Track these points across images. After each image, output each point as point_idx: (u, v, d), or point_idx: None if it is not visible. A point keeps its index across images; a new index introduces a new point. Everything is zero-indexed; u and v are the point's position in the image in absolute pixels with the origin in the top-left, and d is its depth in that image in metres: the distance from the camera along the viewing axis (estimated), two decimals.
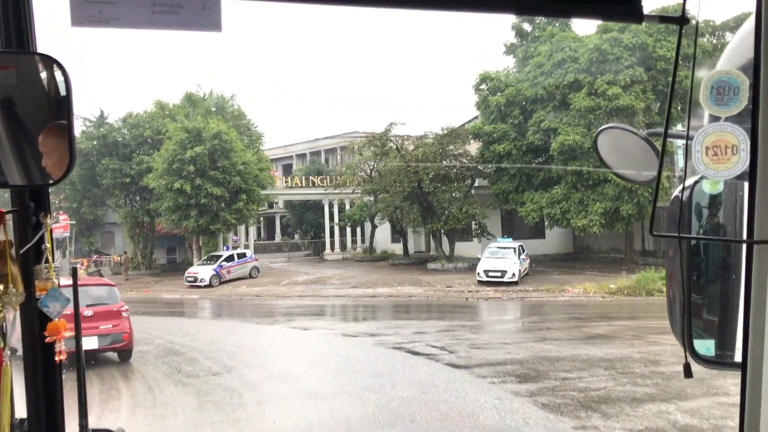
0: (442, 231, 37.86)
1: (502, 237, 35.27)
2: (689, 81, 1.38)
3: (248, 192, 38.79)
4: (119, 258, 42.98)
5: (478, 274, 30.51)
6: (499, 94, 34.64)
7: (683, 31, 1.25)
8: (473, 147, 37.18)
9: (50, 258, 1.69)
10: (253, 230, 52.00)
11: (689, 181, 1.65)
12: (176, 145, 37.26)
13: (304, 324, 21.10)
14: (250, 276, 37.55)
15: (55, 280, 1.68)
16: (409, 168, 35.83)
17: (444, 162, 36.90)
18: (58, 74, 1.48)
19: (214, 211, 37.86)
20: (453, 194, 36.65)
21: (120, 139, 40.92)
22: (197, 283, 34.94)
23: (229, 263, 36.62)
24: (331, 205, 50.28)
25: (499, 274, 29.68)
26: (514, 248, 31.68)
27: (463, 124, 39.42)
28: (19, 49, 1.60)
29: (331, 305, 27.30)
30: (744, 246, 1.54)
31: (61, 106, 1.52)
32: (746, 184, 1.40)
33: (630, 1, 1.25)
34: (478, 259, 34.85)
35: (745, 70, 1.36)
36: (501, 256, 31.02)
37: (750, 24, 1.38)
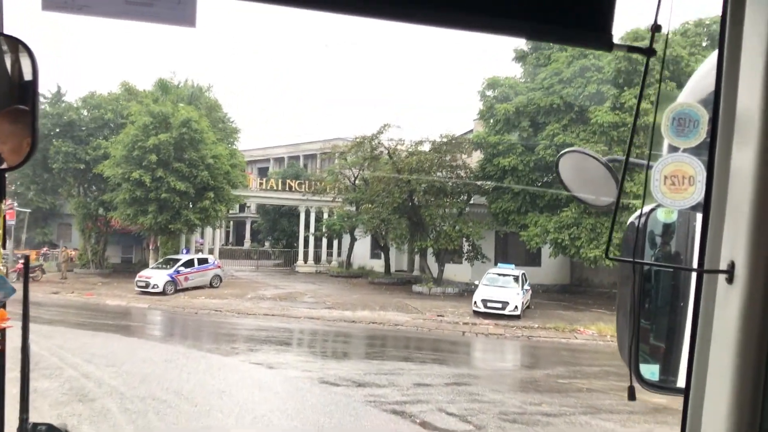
0: (431, 250, 33.14)
1: (500, 262, 30.61)
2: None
3: (216, 190, 33.67)
4: (62, 251, 37.40)
5: (475, 303, 25.76)
6: (508, 102, 30.13)
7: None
8: (474, 158, 32.56)
9: (0, 246, 1.53)
10: (220, 234, 46.70)
11: (646, 208, 1.66)
12: (138, 130, 32.06)
13: (269, 358, 16.12)
14: (211, 285, 32.35)
15: (2, 268, 1.61)
16: (401, 177, 31.11)
17: (439, 173, 32.27)
18: (24, 57, 1.39)
19: (175, 209, 32.66)
20: (446, 210, 31.91)
21: (77, 121, 35.47)
22: (149, 289, 29.67)
23: (188, 269, 31.38)
24: (308, 213, 45.33)
25: (499, 305, 24.98)
26: (516, 276, 27.05)
27: (465, 134, 34.81)
28: None
29: (302, 330, 22.30)
30: (694, 274, 1.54)
31: (25, 90, 1.42)
32: (699, 215, 1.42)
33: (600, 30, 1.23)
34: (469, 285, 30.43)
35: (705, 104, 1.38)
36: (501, 284, 26.35)
37: (712, 59, 1.38)
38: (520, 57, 33.35)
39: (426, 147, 33.21)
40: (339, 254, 47.31)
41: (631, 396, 1.47)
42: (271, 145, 68.91)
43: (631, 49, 1.29)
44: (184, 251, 34.72)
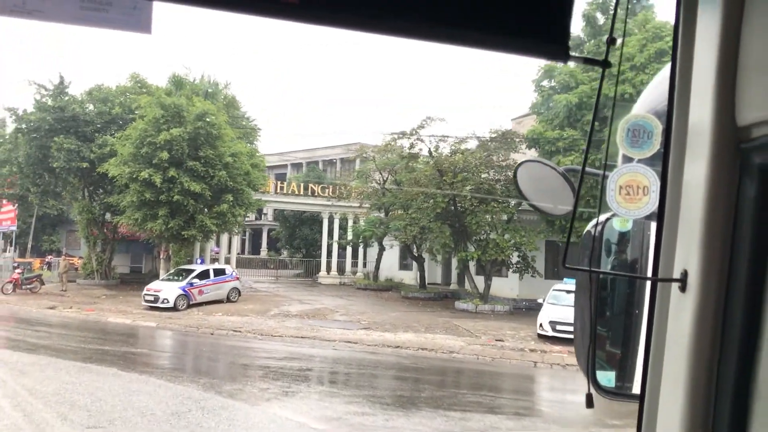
0: (476, 262, 28.84)
1: (552, 276, 26.27)
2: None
3: (236, 192, 29.51)
4: (67, 260, 33.28)
5: (541, 325, 21.48)
6: (569, 92, 25.88)
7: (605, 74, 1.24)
8: (527, 157, 28.21)
9: None
10: (237, 242, 42.51)
11: (602, 218, 1.65)
12: (148, 124, 28.02)
13: (312, 407, 11.87)
14: (228, 299, 28.12)
15: None
16: (444, 179, 26.89)
17: (485, 174, 27.99)
18: None
19: (189, 213, 28.54)
20: (495, 216, 27.56)
21: (81, 115, 31.43)
22: (158, 304, 25.50)
23: (203, 281, 27.17)
24: (331, 220, 41.13)
25: (571, 328, 20.53)
26: None
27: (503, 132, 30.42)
28: None
29: (342, 360, 18.04)
30: (648, 283, 1.51)
31: None
32: (653, 224, 1.44)
33: (556, 41, 1.22)
34: (518, 301, 26.29)
35: (659, 115, 1.39)
36: (570, 303, 21.93)
37: (666, 71, 1.41)
38: (577, 45, 29.08)
39: (471, 144, 29.04)
40: (364, 265, 43.06)
41: (589, 403, 1.45)
42: (287, 150, 65.29)
43: (587, 60, 1.30)
44: (199, 261, 30.52)
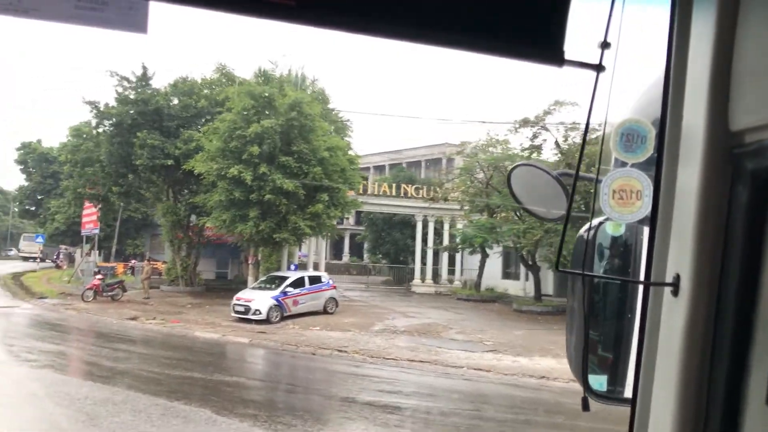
0: None
1: None
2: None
3: (331, 191, 26.09)
4: (151, 265, 30.68)
5: None
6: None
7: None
8: None
9: None
10: (326, 246, 39.24)
11: (595, 221, 1.67)
12: (237, 116, 24.99)
13: None
14: (325, 310, 24.66)
15: None
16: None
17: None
18: None
19: (281, 214, 25.28)
20: None
21: (165, 109, 28.77)
22: (249, 315, 22.29)
23: (298, 290, 23.79)
24: (425, 224, 37.32)
25: None
26: None
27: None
28: None
29: (480, 398, 14.12)
30: (641, 287, 1.51)
31: None
32: (646, 229, 1.43)
33: (552, 45, 1.22)
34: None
35: (652, 120, 1.38)
36: None
37: (659, 75, 1.40)
38: None
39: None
40: (461, 272, 39.03)
41: (585, 407, 1.45)
42: (368, 153, 62.20)
43: (582, 65, 1.26)
44: (293, 267, 27.24)
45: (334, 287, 25.67)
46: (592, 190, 1.38)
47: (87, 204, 34.77)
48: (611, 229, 1.77)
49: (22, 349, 15.76)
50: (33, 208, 53.30)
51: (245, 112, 24.87)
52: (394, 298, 32.57)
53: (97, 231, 35.23)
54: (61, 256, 52.31)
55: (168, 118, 28.61)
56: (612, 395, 1.81)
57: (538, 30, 1.22)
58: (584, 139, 1.42)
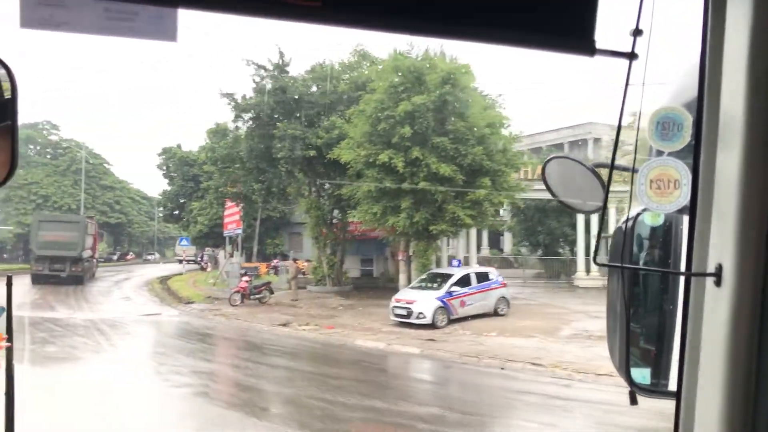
0: None
1: None
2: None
3: (494, 174, 22.57)
4: (292, 265, 28.53)
5: None
6: None
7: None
8: None
9: None
10: (479, 237, 35.74)
11: (632, 213, 1.65)
12: (384, 94, 22.07)
13: None
14: (496, 312, 21.19)
15: None
16: None
17: None
18: (2, 75, 1.36)
19: (437, 203, 22.11)
20: None
21: (305, 97, 26.47)
22: (411, 319, 19.29)
23: (465, 288, 20.47)
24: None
25: None
26: None
27: None
28: None
29: None
30: (682, 277, 1.51)
31: (5, 108, 1.36)
32: (686, 218, 1.40)
33: (583, 36, 1.21)
34: None
35: (689, 107, 1.36)
36: None
37: (695, 61, 1.36)
38: None
39: None
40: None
41: (633, 401, 1.43)
42: None
43: (614, 54, 1.25)
44: (455, 263, 24.06)
45: (504, 285, 22.08)
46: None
47: (229, 204, 33.42)
48: (650, 220, 1.71)
49: (172, 369, 13.59)
50: (176, 212, 53.82)
51: (392, 90, 21.91)
52: (561, 295, 28.57)
53: (239, 231, 33.85)
54: (204, 258, 52.43)
55: (307, 106, 26.29)
56: (656, 388, 1.74)
57: (568, 21, 1.19)
58: (618, 129, 1.39)
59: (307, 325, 20.17)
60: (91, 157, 60.58)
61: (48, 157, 61.95)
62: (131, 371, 13.49)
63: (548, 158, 2.17)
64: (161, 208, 62.34)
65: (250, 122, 27.59)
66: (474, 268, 22.44)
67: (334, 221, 29.23)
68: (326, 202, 28.37)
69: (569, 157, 2.19)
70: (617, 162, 1.40)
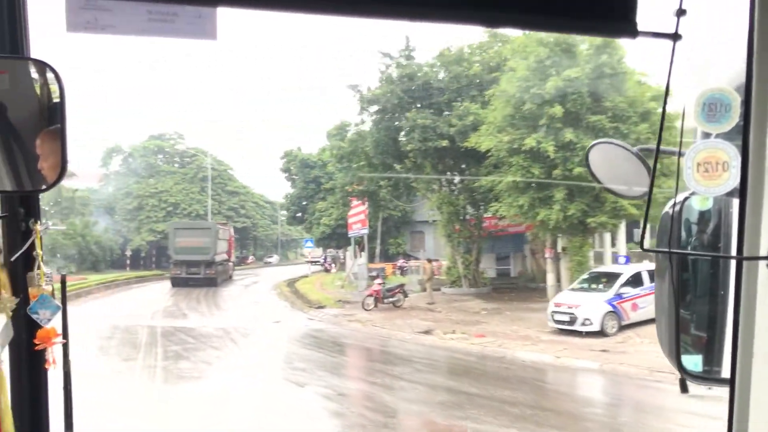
0: None
1: None
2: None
3: (661, 155, 19.23)
4: (427, 265, 26.31)
5: None
6: None
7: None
8: None
9: (41, 264, 1.57)
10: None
11: (679, 197, 1.59)
12: (528, 71, 19.39)
13: None
14: None
15: (47, 287, 1.55)
16: None
17: None
18: (51, 79, 1.39)
19: (595, 192, 19.13)
20: None
21: (433, 83, 24.25)
22: (575, 326, 16.55)
23: (636, 289, 17.39)
24: None
25: None
26: None
27: None
28: (12, 55, 1.55)
29: None
30: (733, 262, 1.47)
31: (54, 112, 1.39)
32: (736, 201, 1.37)
33: (624, 19, 1.19)
34: None
35: (736, 87, 1.31)
36: None
37: (742, 41, 1.33)
38: None
39: None
40: None
41: (683, 388, 1.43)
42: None
43: (656, 35, 1.22)
44: (623, 259, 20.94)
45: None
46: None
47: (354, 203, 31.79)
48: (697, 204, 1.67)
49: (318, 392, 11.73)
50: (299, 214, 53.43)
51: (538, 65, 19.17)
52: None
53: (365, 231, 32.17)
54: (328, 259, 51.63)
55: (437, 93, 24.04)
56: (708, 375, 1.69)
57: (609, 4, 1.17)
58: (663, 112, 1.34)
59: (453, 333, 17.87)
60: (216, 164, 61.65)
61: (176, 165, 63.77)
62: (271, 394, 11.77)
63: (592, 144, 2.09)
64: (284, 211, 62.55)
65: (376, 115, 25.72)
66: (645, 265, 19.18)
67: (467, 217, 26.78)
68: (460, 197, 25.96)
69: (613, 142, 2.09)
70: (662, 146, 1.35)
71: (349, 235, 35.63)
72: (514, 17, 1.18)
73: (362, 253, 32.11)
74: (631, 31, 1.17)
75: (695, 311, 1.78)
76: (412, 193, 31.44)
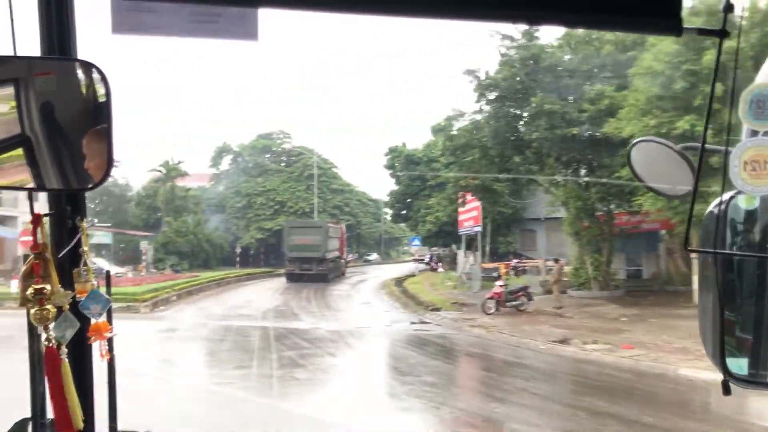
0: None
1: None
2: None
3: None
4: (555, 266, 23.99)
5: None
6: None
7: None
8: None
9: (87, 261, 1.61)
10: None
11: (725, 196, 1.51)
12: (678, 45, 16.84)
13: None
14: None
15: (95, 282, 1.59)
16: None
17: None
18: (98, 80, 1.39)
19: None
20: None
21: (557, 65, 21.97)
22: None
23: None
24: None
25: None
26: None
27: None
28: (60, 56, 1.56)
29: None
30: None
31: (100, 112, 1.40)
32: None
33: (669, 15, 1.17)
34: None
35: None
36: None
37: None
38: None
39: None
40: None
41: (726, 391, 1.39)
42: None
43: (702, 32, 1.22)
44: None
45: None
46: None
47: (468, 198, 29.83)
48: (744, 203, 1.58)
49: (458, 415, 10.00)
50: (404, 212, 52.06)
51: (690, 37, 16.58)
52: None
53: (478, 229, 30.17)
54: (433, 258, 49.92)
55: (565, 75, 21.74)
56: (754, 379, 1.61)
57: (655, 2, 1.17)
58: (709, 109, 1.37)
59: (595, 344, 15.64)
60: (321, 162, 61.46)
61: (282, 164, 64.21)
62: (406, 418, 10.17)
63: (634, 142, 2.02)
64: (388, 209, 61.57)
65: (494, 103, 23.74)
66: None
67: (597, 213, 24.23)
68: (592, 190, 23.47)
69: (655, 140, 1.99)
70: (708, 144, 1.34)
71: (460, 233, 33.77)
72: (558, 15, 1.16)
73: (476, 252, 30.12)
74: (677, 28, 1.14)
75: (741, 313, 1.62)
76: (531, 188, 29.17)
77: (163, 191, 52.01)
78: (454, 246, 51.00)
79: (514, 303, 21.46)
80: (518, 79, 22.14)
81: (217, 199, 60.11)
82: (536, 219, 42.37)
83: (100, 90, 1.37)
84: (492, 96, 23.92)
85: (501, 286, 21.73)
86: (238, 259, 55.01)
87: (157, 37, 1.32)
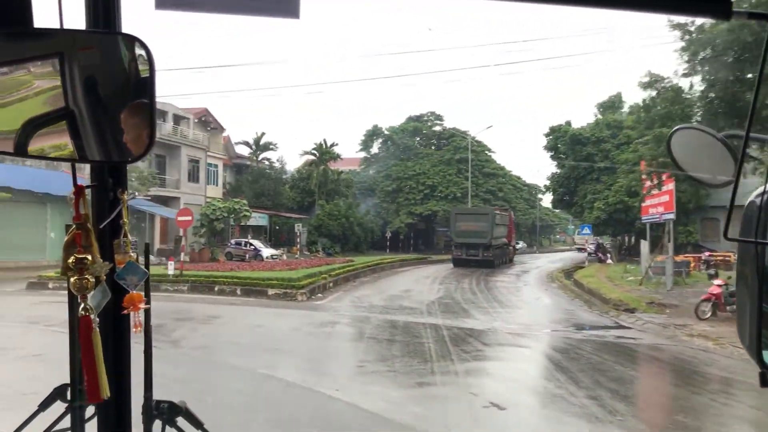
0: None
1: None
2: None
3: None
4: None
5: None
6: None
7: None
8: None
9: (127, 232, 1.65)
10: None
11: None
12: None
13: None
14: None
15: (133, 254, 1.63)
16: None
17: None
18: (141, 54, 1.38)
19: None
20: None
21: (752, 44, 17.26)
22: None
23: None
24: None
25: None
26: None
27: None
28: (104, 29, 1.58)
29: None
30: None
31: (142, 86, 1.38)
32: None
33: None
34: None
35: None
36: None
37: None
38: None
39: None
40: None
41: (764, 382, 1.37)
42: None
43: (752, 15, 1.18)
44: None
45: None
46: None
47: (666, 179, 25.41)
48: None
49: None
50: (566, 197, 47.62)
51: None
52: None
53: (671, 216, 25.63)
54: (600, 248, 45.20)
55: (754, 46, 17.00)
56: None
57: None
58: (756, 96, 1.31)
59: None
60: (474, 145, 58.28)
61: (432, 147, 61.80)
62: None
63: (675, 129, 1.94)
64: (546, 193, 57.21)
65: (708, 65, 19.40)
66: None
67: None
68: None
69: (696, 127, 1.94)
70: (752, 133, 1.29)
71: (643, 220, 29.29)
72: None
73: (668, 243, 25.64)
74: (726, 11, 1.10)
75: None
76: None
77: (316, 174, 51.48)
78: (631, 236, 45.99)
79: (734, 305, 17.23)
80: (745, 36, 17.67)
81: (368, 183, 58.93)
82: (720, 207, 37.29)
83: (143, 65, 1.34)
84: (702, 58, 19.60)
85: (719, 285, 17.54)
86: (387, 243, 53.50)
87: (198, 13, 1.33)
